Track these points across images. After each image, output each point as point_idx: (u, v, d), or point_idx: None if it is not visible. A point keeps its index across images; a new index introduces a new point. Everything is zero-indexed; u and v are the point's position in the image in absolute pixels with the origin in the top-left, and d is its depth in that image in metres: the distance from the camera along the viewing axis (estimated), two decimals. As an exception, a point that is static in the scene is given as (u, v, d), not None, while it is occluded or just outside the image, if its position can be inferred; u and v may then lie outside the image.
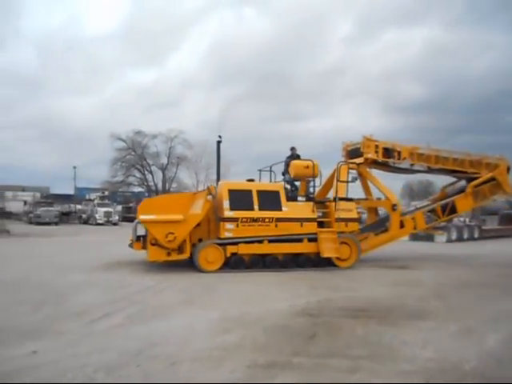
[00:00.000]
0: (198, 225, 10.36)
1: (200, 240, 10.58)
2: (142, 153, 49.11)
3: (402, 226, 12.63)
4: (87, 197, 47.18)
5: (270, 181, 12.56)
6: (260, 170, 12.92)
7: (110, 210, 36.72)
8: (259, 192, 10.73)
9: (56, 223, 34.38)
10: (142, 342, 4.74)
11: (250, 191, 10.69)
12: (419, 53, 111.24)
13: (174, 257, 10.14)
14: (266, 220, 10.50)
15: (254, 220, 10.44)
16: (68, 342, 4.76)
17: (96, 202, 38.55)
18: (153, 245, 10.03)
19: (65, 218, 38.51)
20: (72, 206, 44.08)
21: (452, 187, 15.31)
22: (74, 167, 52.87)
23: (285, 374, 3.94)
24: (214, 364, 4.14)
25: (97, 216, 35.84)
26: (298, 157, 12.31)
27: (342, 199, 11.51)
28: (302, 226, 10.79)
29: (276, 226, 10.57)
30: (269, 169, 12.73)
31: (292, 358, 4.33)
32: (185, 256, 10.20)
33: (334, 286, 8.68)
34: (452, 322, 5.81)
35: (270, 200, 10.72)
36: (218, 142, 12.65)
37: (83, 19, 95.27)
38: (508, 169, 13.96)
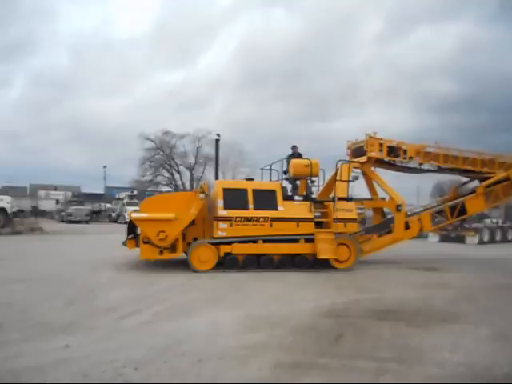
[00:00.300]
0: (194, 224, 10.34)
1: (195, 239, 10.53)
2: (170, 153, 49.70)
3: (407, 227, 12.11)
4: (116, 196, 48.20)
5: (270, 180, 12.28)
6: (262, 169, 12.73)
7: (138, 208, 37.27)
8: (255, 191, 10.53)
9: (87, 221, 35.27)
10: (170, 339, 4.82)
11: (245, 190, 10.52)
12: (451, 50, 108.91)
13: (167, 255, 10.09)
14: (261, 219, 10.30)
15: (249, 219, 10.25)
16: (98, 337, 4.90)
17: (125, 201, 39.25)
18: (145, 243, 9.99)
19: (95, 216, 39.50)
20: (102, 204, 45.20)
21: (465, 187, 14.74)
22: (104, 167, 54.41)
23: (311, 374, 3.94)
24: (240, 362, 4.17)
25: (126, 215, 36.49)
26: (299, 155, 12.07)
27: (341, 199, 11.15)
28: (298, 226, 10.52)
29: (271, 225, 10.35)
30: (274, 168, 12.41)
31: (318, 359, 4.32)
32: (177, 255, 10.19)
33: (360, 286, 8.60)
34: (483, 326, 5.65)
35: (265, 199, 10.51)
36: (217, 141, 12.67)
37: (115, 22, 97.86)
38: None
